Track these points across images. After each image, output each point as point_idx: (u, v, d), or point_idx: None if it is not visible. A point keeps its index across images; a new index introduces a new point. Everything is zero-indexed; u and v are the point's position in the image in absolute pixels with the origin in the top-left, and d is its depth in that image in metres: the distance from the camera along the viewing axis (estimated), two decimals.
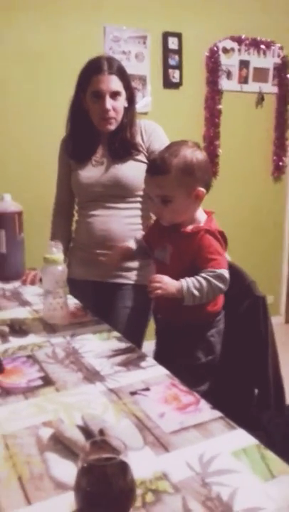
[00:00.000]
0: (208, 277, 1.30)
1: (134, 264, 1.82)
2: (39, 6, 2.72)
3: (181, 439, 0.88)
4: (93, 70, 1.74)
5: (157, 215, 1.43)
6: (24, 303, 1.71)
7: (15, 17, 2.68)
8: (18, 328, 1.44)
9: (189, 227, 1.38)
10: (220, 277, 1.31)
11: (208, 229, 1.36)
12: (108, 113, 1.75)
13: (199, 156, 1.35)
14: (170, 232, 1.41)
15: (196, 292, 1.28)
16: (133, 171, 1.81)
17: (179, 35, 3.14)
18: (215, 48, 3.26)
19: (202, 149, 1.40)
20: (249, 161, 3.56)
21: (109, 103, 1.73)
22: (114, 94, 1.74)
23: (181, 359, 1.38)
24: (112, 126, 1.79)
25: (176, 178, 1.32)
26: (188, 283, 1.29)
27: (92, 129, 1.84)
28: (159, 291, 1.28)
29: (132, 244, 1.60)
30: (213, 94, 3.30)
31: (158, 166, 1.34)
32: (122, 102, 1.78)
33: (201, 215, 1.42)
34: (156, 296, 1.30)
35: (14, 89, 2.73)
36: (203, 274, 1.30)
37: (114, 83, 1.74)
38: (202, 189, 1.36)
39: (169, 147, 1.39)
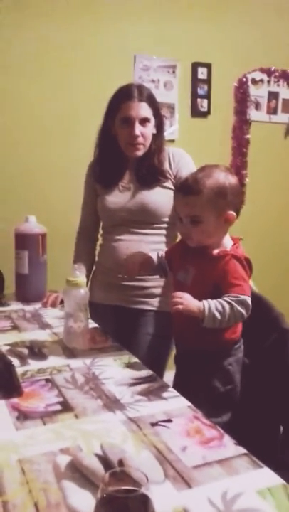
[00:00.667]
0: (232, 302, 1.27)
1: (158, 290, 1.81)
2: (69, 33, 2.78)
3: (203, 474, 0.84)
4: (123, 96, 1.76)
5: (185, 235, 1.41)
6: (44, 325, 1.69)
7: (44, 45, 2.74)
8: (37, 351, 1.42)
9: (216, 251, 1.37)
10: (243, 303, 1.28)
11: (234, 254, 1.34)
12: (137, 139, 1.75)
13: (232, 180, 1.35)
14: (195, 255, 1.40)
15: (217, 314, 1.26)
16: (160, 198, 1.81)
17: (208, 66, 3.17)
18: (244, 79, 3.28)
19: (234, 174, 1.40)
20: (277, 190, 3.54)
21: (138, 129, 1.74)
22: (144, 121, 1.75)
23: (200, 388, 1.35)
24: (140, 152, 1.80)
25: (208, 199, 1.31)
26: (211, 304, 1.27)
27: (120, 154, 1.85)
28: (179, 307, 1.26)
29: (153, 256, 1.58)
30: (241, 124, 3.31)
31: (190, 186, 1.33)
32: (150, 129, 1.79)
33: (228, 241, 1.41)
34: (177, 311, 1.27)
35: (42, 114, 2.78)
36: (226, 298, 1.28)
37: (144, 110, 1.75)
38: (232, 213, 1.35)
39: (202, 169, 1.39)
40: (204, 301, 1.27)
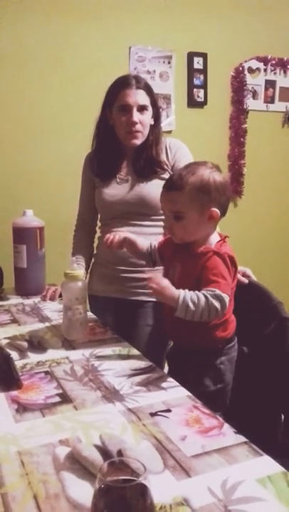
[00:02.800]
0: (207, 295, 1.23)
1: None
2: (64, 25, 2.77)
3: (203, 463, 0.84)
4: (121, 85, 1.75)
5: (169, 231, 1.40)
6: (44, 319, 1.69)
7: (38, 37, 2.72)
8: (36, 344, 1.42)
9: (200, 248, 1.35)
10: (218, 298, 1.23)
11: (217, 251, 1.31)
12: (135, 126, 1.74)
13: (217, 177, 1.32)
14: (182, 252, 1.39)
15: (190, 305, 1.22)
16: (158, 190, 1.76)
17: (204, 55, 3.15)
18: (240, 68, 3.26)
19: (221, 172, 1.37)
20: (275, 180, 3.53)
21: (136, 116, 1.73)
22: (142, 108, 1.74)
23: (190, 386, 1.34)
24: (138, 141, 1.78)
25: (190, 195, 1.29)
26: (186, 294, 1.23)
27: (118, 146, 1.83)
28: (153, 286, 1.24)
29: (145, 243, 1.55)
30: (239, 114, 3.29)
31: (174, 182, 1.33)
32: (148, 117, 1.78)
33: (214, 238, 1.38)
34: (151, 293, 1.27)
35: (37, 107, 2.77)
36: (203, 291, 1.25)
37: (142, 97, 1.74)
38: (216, 210, 1.32)
39: (188, 166, 1.38)
40: (181, 291, 1.24)
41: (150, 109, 1.78)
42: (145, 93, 1.75)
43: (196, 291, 1.25)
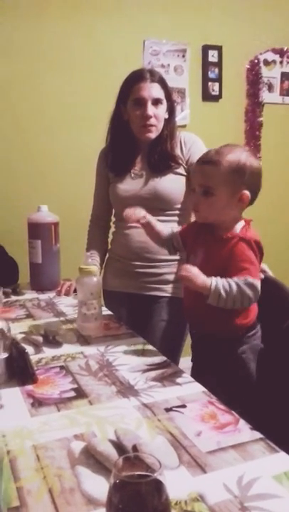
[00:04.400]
0: (239, 283, 1.24)
1: (171, 276, 1.80)
2: (78, 20, 2.76)
3: (218, 459, 0.83)
4: (135, 78, 1.74)
5: (195, 207, 1.38)
6: (59, 313, 1.69)
7: (54, 30, 2.72)
8: (51, 339, 1.42)
9: (226, 234, 1.34)
10: (251, 286, 1.24)
11: (242, 237, 1.30)
12: (150, 120, 1.73)
13: (254, 162, 1.32)
14: (205, 237, 1.38)
15: (223, 293, 1.22)
16: (172, 184, 1.78)
17: (219, 48, 3.12)
18: (256, 61, 3.22)
19: (258, 159, 1.36)
20: None
21: (151, 110, 1.72)
22: (156, 102, 1.73)
23: (214, 375, 1.33)
24: (153, 135, 1.77)
25: (224, 173, 1.28)
26: (218, 282, 1.23)
27: (132, 140, 1.83)
28: (185, 280, 1.25)
29: (166, 230, 1.55)
30: (254, 107, 3.26)
31: (210, 156, 1.31)
32: (163, 111, 1.76)
33: (240, 224, 1.37)
34: (182, 281, 1.27)
35: (53, 101, 2.77)
36: (235, 279, 1.25)
37: (156, 90, 1.73)
38: (247, 193, 1.31)
39: (226, 145, 1.35)
40: (212, 278, 1.24)
41: (165, 102, 1.76)
42: (160, 86, 1.74)
43: (228, 279, 1.25)
